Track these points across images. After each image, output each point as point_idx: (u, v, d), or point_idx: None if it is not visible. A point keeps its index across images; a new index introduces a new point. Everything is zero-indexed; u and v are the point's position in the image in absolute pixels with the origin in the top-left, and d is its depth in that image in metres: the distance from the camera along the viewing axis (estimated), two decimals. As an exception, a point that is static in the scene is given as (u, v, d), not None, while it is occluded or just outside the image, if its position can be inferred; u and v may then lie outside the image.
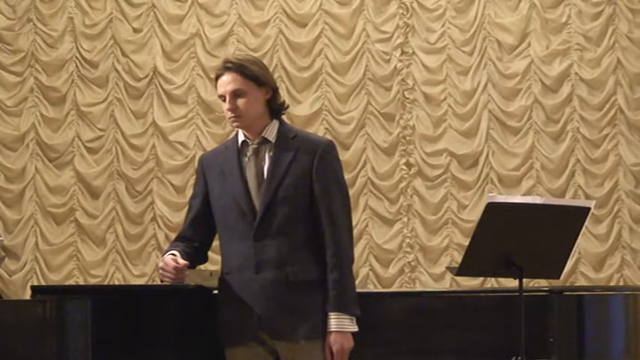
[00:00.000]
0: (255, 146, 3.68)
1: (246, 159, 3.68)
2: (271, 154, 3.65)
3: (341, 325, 3.57)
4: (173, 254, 3.65)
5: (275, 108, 3.71)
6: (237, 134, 3.74)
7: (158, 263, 3.71)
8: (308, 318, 3.58)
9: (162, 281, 3.68)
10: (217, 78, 3.67)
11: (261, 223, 3.60)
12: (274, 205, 3.60)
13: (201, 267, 3.84)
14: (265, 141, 3.68)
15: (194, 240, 3.76)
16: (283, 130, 3.70)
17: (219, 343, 3.69)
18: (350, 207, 3.72)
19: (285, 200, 3.60)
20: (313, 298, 3.59)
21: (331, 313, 3.57)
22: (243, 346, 3.63)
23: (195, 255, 3.75)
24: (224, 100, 3.66)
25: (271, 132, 3.68)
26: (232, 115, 3.64)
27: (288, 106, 3.79)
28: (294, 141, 3.67)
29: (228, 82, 3.63)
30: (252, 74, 3.63)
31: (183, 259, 3.64)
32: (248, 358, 3.63)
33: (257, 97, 3.65)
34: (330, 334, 3.57)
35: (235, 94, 3.62)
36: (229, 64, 3.64)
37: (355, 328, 3.60)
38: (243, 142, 3.70)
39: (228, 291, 3.66)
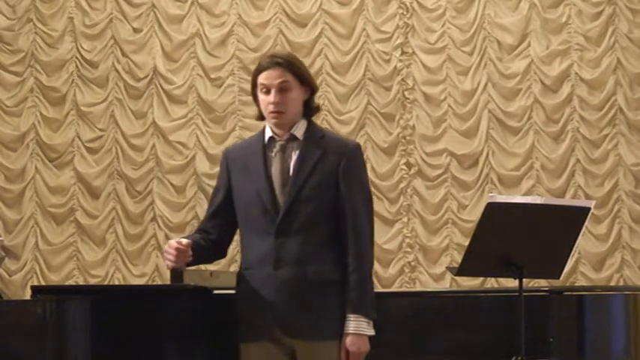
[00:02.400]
0: (282, 143, 3.67)
1: (272, 155, 3.67)
2: (298, 152, 3.65)
3: (359, 327, 3.56)
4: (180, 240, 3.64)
5: (308, 108, 3.72)
6: (263, 130, 3.73)
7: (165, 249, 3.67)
8: (325, 318, 3.57)
9: (167, 267, 3.66)
10: (261, 70, 3.66)
11: (284, 221, 3.59)
12: (298, 203, 3.59)
13: (202, 267, 3.83)
14: (293, 138, 3.67)
15: (212, 233, 3.74)
16: (312, 130, 3.70)
17: (236, 338, 3.66)
18: (373, 211, 3.72)
19: (310, 199, 3.60)
20: (331, 298, 3.58)
21: (350, 315, 3.56)
22: (257, 343, 3.61)
23: (212, 248, 3.74)
24: (265, 92, 3.65)
25: (300, 130, 3.68)
26: (275, 109, 3.63)
27: (320, 109, 3.81)
28: (322, 141, 3.67)
29: (276, 75, 3.63)
30: (299, 73, 3.66)
31: (193, 248, 3.61)
32: (261, 356, 3.61)
33: (299, 95, 3.67)
34: (347, 335, 3.56)
35: (282, 89, 3.63)
36: (279, 59, 3.65)
37: (372, 332, 3.58)
38: (271, 137, 3.69)
39: (246, 286, 3.65)
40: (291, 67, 3.65)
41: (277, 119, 3.65)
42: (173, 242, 3.59)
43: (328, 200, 3.61)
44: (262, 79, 3.65)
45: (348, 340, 3.56)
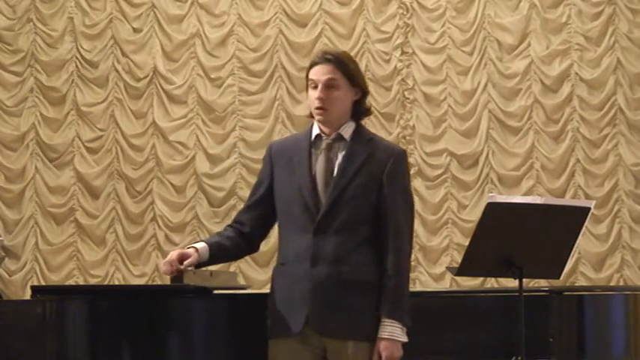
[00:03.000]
0: (329, 141, 3.66)
1: (318, 153, 3.66)
2: (344, 152, 3.64)
3: (393, 333, 3.54)
4: (195, 248, 3.64)
5: (358, 110, 3.71)
6: (311, 127, 3.72)
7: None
8: (358, 318, 3.55)
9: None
10: (312, 65, 3.68)
11: (324, 220, 3.58)
12: (340, 203, 3.58)
13: (202, 268, 3.82)
14: (340, 138, 3.66)
15: (246, 224, 3.74)
16: (359, 132, 3.69)
17: (267, 332, 3.65)
18: (414, 217, 3.72)
19: (352, 200, 3.59)
20: (366, 299, 3.56)
21: (385, 320, 3.54)
22: (285, 340, 3.59)
23: (243, 243, 3.74)
24: (314, 88, 3.65)
25: (347, 131, 3.67)
26: (320, 104, 3.62)
27: (371, 113, 3.78)
28: (369, 144, 3.66)
29: (325, 71, 3.63)
30: (349, 72, 3.65)
31: (213, 250, 3.64)
32: (288, 353, 3.60)
33: (347, 95, 3.66)
34: (381, 340, 3.54)
35: (328, 85, 3.62)
36: (329, 56, 3.66)
37: (405, 339, 3.56)
38: (318, 135, 3.68)
39: (280, 282, 3.64)
40: (342, 65, 3.64)
41: (321, 116, 3.64)
42: (174, 258, 3.59)
43: (370, 203, 3.60)
44: (312, 74, 3.67)
45: (382, 345, 3.53)
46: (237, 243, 3.74)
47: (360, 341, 3.55)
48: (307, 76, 3.70)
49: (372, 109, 3.85)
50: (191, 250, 3.65)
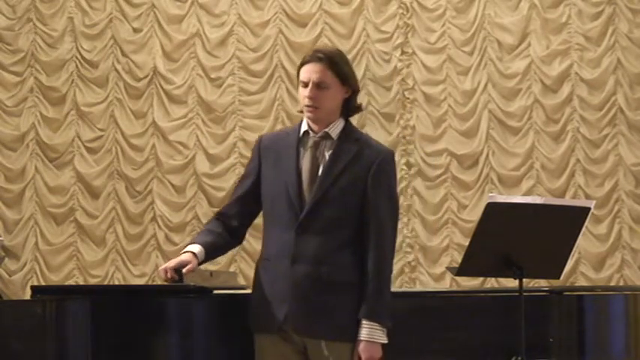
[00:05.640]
0: (316, 139, 3.66)
1: (304, 149, 3.66)
2: (330, 151, 3.63)
3: (372, 335, 3.54)
4: (193, 253, 3.66)
5: (348, 108, 3.70)
6: (300, 123, 3.72)
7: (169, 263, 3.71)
8: (337, 319, 3.56)
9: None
10: (303, 63, 3.66)
11: (307, 218, 3.58)
12: (323, 203, 3.58)
13: (202, 267, 3.82)
14: (327, 136, 3.66)
15: (234, 218, 3.75)
16: (348, 131, 3.68)
17: (250, 326, 3.68)
18: (397, 220, 3.71)
19: (335, 200, 3.58)
20: (344, 300, 3.56)
21: (364, 322, 3.54)
22: (269, 336, 3.61)
23: (230, 237, 3.76)
24: (304, 86, 3.64)
25: (335, 129, 3.66)
26: (309, 103, 3.61)
27: (361, 110, 3.77)
28: (356, 144, 3.65)
29: (315, 70, 3.61)
30: (341, 71, 3.63)
31: (209, 251, 3.67)
32: (272, 350, 3.61)
33: (337, 93, 3.64)
34: (360, 342, 3.54)
35: (318, 85, 3.61)
36: (321, 55, 3.63)
37: (385, 340, 3.56)
38: (305, 132, 3.68)
39: (263, 278, 3.65)
40: (333, 64, 3.62)
41: (311, 113, 3.63)
42: (171, 269, 3.61)
43: (353, 204, 3.59)
44: (302, 72, 3.66)
45: (361, 347, 3.54)
46: (227, 239, 3.77)
47: (339, 341, 3.56)
48: (298, 73, 3.69)
49: (372, 109, 3.84)
50: (189, 257, 3.66)
